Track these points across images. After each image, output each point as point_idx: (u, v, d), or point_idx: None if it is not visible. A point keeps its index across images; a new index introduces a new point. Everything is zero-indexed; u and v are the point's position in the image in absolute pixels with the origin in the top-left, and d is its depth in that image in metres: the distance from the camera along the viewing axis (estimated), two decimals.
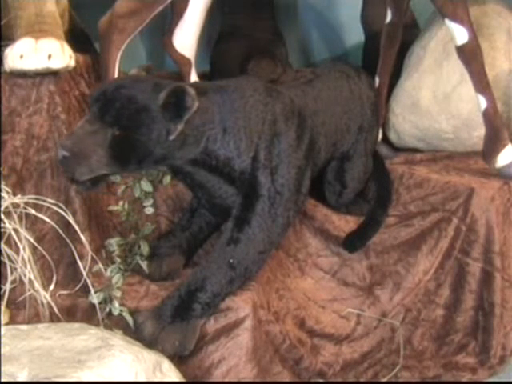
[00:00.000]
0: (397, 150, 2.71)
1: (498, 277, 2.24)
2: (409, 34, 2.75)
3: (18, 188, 2.01)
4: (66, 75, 2.13)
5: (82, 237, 1.92)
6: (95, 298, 1.90)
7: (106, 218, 2.16)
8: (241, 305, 1.89)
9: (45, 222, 1.94)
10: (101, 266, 1.94)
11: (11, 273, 1.87)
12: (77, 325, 1.75)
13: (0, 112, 2.03)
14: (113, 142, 1.75)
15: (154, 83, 1.83)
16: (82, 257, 1.94)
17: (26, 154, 2.06)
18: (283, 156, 1.97)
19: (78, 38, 2.43)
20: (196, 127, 1.84)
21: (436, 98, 2.61)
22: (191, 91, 1.75)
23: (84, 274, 1.91)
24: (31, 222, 1.97)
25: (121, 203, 2.07)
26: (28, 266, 1.85)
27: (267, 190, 1.93)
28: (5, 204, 1.86)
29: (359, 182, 2.42)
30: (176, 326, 1.84)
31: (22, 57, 1.96)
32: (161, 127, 1.77)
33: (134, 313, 1.90)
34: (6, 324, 1.83)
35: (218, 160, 1.90)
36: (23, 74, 2.03)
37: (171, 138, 1.78)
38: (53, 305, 1.89)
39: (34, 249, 1.91)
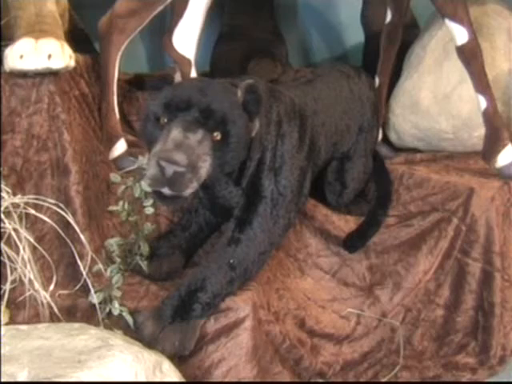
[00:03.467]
0: (397, 150, 2.71)
1: (498, 277, 2.24)
2: (409, 34, 2.75)
3: (18, 188, 2.00)
4: (65, 75, 2.13)
5: (82, 237, 1.92)
6: (95, 298, 1.89)
7: (105, 217, 2.16)
8: (241, 305, 1.89)
9: (45, 221, 1.93)
10: (101, 266, 1.94)
11: (11, 273, 1.87)
12: (77, 325, 1.74)
13: (0, 112, 2.03)
14: (215, 148, 1.71)
15: (223, 83, 1.82)
16: (81, 257, 1.93)
17: (26, 154, 2.06)
18: (286, 157, 1.97)
19: (77, 38, 2.43)
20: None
21: (436, 98, 2.61)
22: (260, 86, 1.78)
23: (84, 273, 1.91)
24: (31, 222, 1.97)
25: (121, 203, 2.07)
26: (28, 266, 1.85)
27: (270, 192, 1.93)
28: (5, 204, 1.86)
29: (359, 182, 2.42)
30: (176, 326, 1.84)
31: (21, 57, 1.96)
32: (247, 126, 1.77)
33: (133, 313, 1.90)
34: (6, 324, 1.83)
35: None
36: (23, 74, 2.02)
37: (253, 134, 1.79)
38: (53, 305, 1.89)
39: (33, 249, 1.90)
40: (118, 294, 1.92)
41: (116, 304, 1.90)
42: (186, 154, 1.63)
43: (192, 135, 1.67)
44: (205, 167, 1.69)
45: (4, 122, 2.04)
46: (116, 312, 1.89)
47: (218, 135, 1.70)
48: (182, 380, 1.74)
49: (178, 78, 2.43)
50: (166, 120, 1.72)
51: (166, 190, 1.67)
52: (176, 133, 1.66)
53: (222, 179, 1.91)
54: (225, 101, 1.73)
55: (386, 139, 2.72)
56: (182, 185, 1.65)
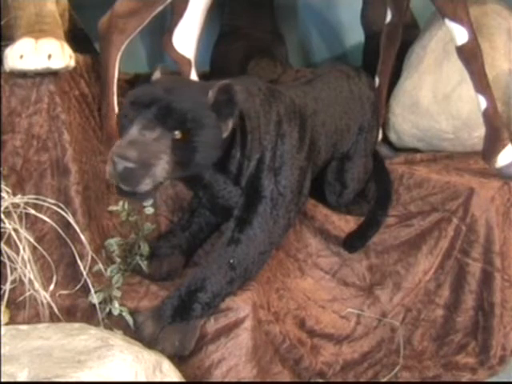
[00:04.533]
0: (397, 150, 2.71)
1: (498, 277, 2.24)
2: (409, 33, 2.76)
3: (18, 188, 2.00)
4: (66, 75, 2.13)
5: (82, 237, 1.92)
6: (95, 298, 1.89)
7: (106, 218, 2.16)
8: (241, 305, 1.89)
9: (45, 221, 1.93)
10: (101, 266, 1.94)
11: (11, 273, 1.87)
12: (77, 325, 1.74)
13: (0, 112, 2.03)
14: (175, 147, 1.68)
15: (198, 83, 1.82)
16: (82, 257, 1.93)
17: (26, 154, 2.06)
18: (286, 157, 1.97)
19: (77, 38, 2.43)
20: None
21: (436, 98, 2.61)
22: (237, 87, 1.73)
23: (84, 274, 1.91)
24: (31, 222, 1.97)
25: (121, 203, 2.07)
26: (28, 266, 1.85)
27: (270, 192, 1.93)
28: (5, 204, 1.86)
29: (359, 182, 2.42)
30: (176, 326, 1.84)
31: (21, 57, 1.96)
32: (217, 126, 1.74)
33: (133, 313, 1.90)
34: (6, 324, 1.83)
35: (230, 161, 1.89)
36: (23, 74, 2.02)
37: (224, 136, 1.76)
38: (53, 305, 1.89)
39: (33, 249, 1.90)
40: (118, 294, 1.92)
41: (116, 304, 1.90)
42: (137, 150, 1.64)
43: (149, 133, 1.67)
44: (160, 165, 1.66)
45: (4, 122, 2.04)
46: (116, 312, 1.89)
47: (178, 134, 1.68)
48: (182, 380, 1.74)
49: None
50: (131, 117, 1.73)
51: (122, 185, 1.68)
52: (133, 130, 1.68)
53: (220, 179, 1.91)
54: (188, 100, 1.70)
55: (386, 139, 2.72)
56: (133, 181, 1.65)
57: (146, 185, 1.66)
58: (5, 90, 2.04)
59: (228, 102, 1.73)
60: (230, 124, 1.76)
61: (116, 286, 1.94)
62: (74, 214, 1.97)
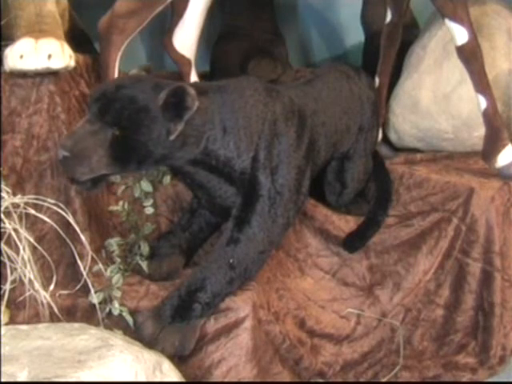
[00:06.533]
0: (397, 150, 2.71)
1: (498, 277, 2.24)
2: (409, 34, 2.75)
3: (18, 188, 2.00)
4: (65, 75, 2.13)
5: (82, 237, 1.92)
6: (95, 298, 1.90)
7: (106, 217, 2.16)
8: (241, 305, 1.89)
9: (45, 221, 1.94)
10: (101, 266, 1.94)
11: (11, 273, 1.87)
12: (77, 325, 1.75)
13: (0, 112, 2.03)
14: (113, 142, 1.75)
15: (155, 83, 1.81)
16: (81, 257, 1.93)
17: (26, 154, 2.06)
18: (283, 156, 1.97)
19: (77, 37, 2.43)
20: (196, 127, 1.83)
21: (436, 98, 2.61)
22: (191, 91, 1.74)
23: (84, 274, 1.91)
24: (31, 222, 1.97)
25: (121, 203, 2.07)
26: (28, 266, 1.85)
27: (267, 190, 1.93)
28: (5, 204, 1.86)
29: (359, 182, 2.42)
30: (176, 326, 1.84)
31: (22, 57, 1.96)
32: (161, 127, 1.76)
33: (133, 313, 1.90)
34: (6, 324, 1.83)
35: (218, 160, 1.90)
36: (23, 74, 2.02)
37: (171, 138, 1.77)
38: (53, 305, 1.89)
39: (33, 249, 1.91)
40: (117, 293, 1.92)
41: (116, 304, 1.90)
42: (74, 141, 1.74)
43: (90, 126, 1.76)
44: (96, 157, 1.74)
45: (4, 122, 2.04)
46: (116, 312, 1.90)
47: (116, 130, 1.74)
48: (182, 380, 1.74)
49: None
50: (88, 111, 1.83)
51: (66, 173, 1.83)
52: (80, 122, 1.80)
53: (214, 179, 1.93)
54: (130, 99, 1.75)
55: (386, 139, 2.72)
56: (69, 168, 1.76)
57: (82, 174, 1.75)
58: (5, 90, 2.05)
59: (178, 105, 1.74)
60: (179, 127, 1.77)
61: (116, 286, 1.94)
62: (74, 214, 1.97)
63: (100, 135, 1.75)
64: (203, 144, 1.86)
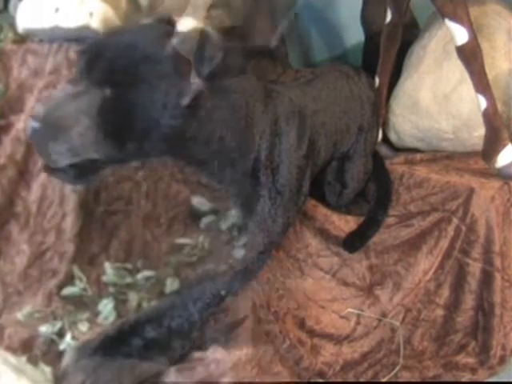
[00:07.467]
0: (397, 150, 2.71)
1: (498, 277, 2.23)
2: (409, 34, 2.75)
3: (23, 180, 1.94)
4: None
5: None
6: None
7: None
8: (241, 305, 1.89)
9: None
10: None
11: None
12: None
13: None
14: (102, 108, 1.27)
15: (166, 30, 1.33)
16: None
17: None
18: (284, 156, 1.97)
19: None
20: (207, 124, 1.66)
21: (436, 98, 2.60)
22: (215, 37, 1.29)
23: None
24: None
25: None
26: None
27: (268, 191, 1.93)
28: None
29: (359, 182, 2.42)
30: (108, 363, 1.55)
31: (57, 10, 1.70)
32: (169, 86, 1.31)
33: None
34: None
35: (220, 161, 1.89)
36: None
37: (184, 102, 1.32)
38: None
39: None
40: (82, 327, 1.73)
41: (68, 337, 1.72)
42: (47, 108, 1.24)
43: (71, 88, 1.27)
44: (78, 129, 1.23)
45: (11, 98, 1.75)
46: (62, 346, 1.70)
47: (106, 91, 1.26)
48: None
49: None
50: None
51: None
52: (61, 85, 1.37)
53: (215, 180, 1.92)
54: (128, 46, 1.26)
55: (386, 139, 2.71)
56: (41, 145, 1.24)
57: (59, 155, 1.24)
58: (13, 59, 1.77)
59: (196, 56, 1.29)
60: (196, 86, 1.30)
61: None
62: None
63: (84, 98, 1.26)
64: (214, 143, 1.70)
